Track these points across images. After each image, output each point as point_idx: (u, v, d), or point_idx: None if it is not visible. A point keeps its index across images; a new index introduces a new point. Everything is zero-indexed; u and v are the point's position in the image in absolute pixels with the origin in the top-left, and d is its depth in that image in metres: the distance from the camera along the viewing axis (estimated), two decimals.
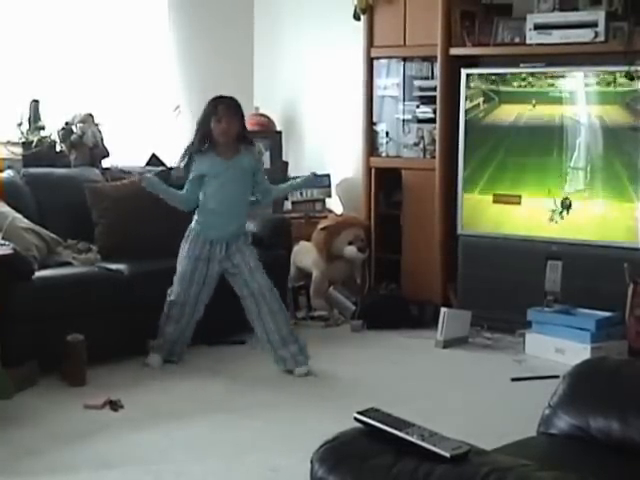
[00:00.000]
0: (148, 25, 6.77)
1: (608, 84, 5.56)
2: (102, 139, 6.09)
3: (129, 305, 5.18)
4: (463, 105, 6.05)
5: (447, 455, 1.73)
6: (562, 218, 5.77)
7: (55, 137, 5.97)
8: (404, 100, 6.44)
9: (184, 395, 4.71)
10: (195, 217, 5.09)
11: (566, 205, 5.76)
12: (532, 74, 5.83)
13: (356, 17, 6.47)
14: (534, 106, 5.83)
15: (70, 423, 4.25)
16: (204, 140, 5.01)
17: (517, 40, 5.96)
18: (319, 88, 7.16)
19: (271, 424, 4.31)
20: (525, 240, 5.88)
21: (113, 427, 4.21)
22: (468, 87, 6.00)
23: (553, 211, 5.79)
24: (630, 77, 5.41)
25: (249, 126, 6.97)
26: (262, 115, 7.08)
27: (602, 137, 5.63)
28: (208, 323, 5.51)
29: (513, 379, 5.01)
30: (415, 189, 6.40)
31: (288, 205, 6.91)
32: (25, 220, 5.28)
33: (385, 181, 6.60)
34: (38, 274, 4.89)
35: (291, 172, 7.03)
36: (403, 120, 6.46)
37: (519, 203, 5.92)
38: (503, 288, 5.88)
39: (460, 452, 1.75)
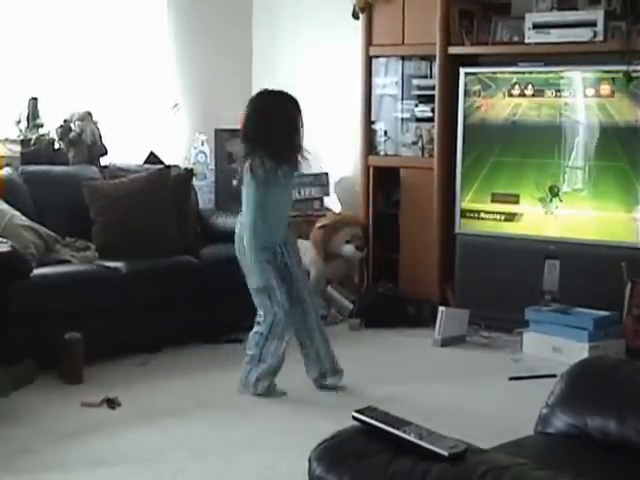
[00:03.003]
0: (147, 23, 6.76)
1: (606, 82, 5.57)
2: (100, 137, 6.09)
3: (127, 303, 5.19)
4: (462, 104, 6.05)
5: (445, 454, 1.74)
6: (554, 206, 5.77)
7: (53, 135, 5.96)
8: (402, 99, 6.44)
9: (182, 393, 4.71)
10: None
11: (555, 192, 5.76)
12: (530, 73, 5.83)
13: (355, 16, 6.47)
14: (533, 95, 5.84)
15: (67, 421, 4.24)
16: None
17: (516, 39, 5.96)
18: (318, 87, 7.14)
19: (269, 422, 4.31)
20: (523, 239, 5.88)
21: (110, 425, 4.21)
22: (484, 99, 5.99)
23: (541, 199, 5.80)
24: (628, 76, 5.41)
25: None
26: None
27: (600, 136, 5.63)
28: (205, 322, 5.52)
29: (511, 378, 5.01)
30: (413, 188, 6.40)
31: None
32: (23, 218, 5.28)
33: (383, 180, 6.59)
34: (36, 272, 4.89)
35: None
36: (401, 119, 6.46)
37: (517, 202, 5.93)
38: (501, 287, 5.88)
39: (457, 451, 1.75)
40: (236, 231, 4.67)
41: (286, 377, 4.97)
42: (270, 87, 4.81)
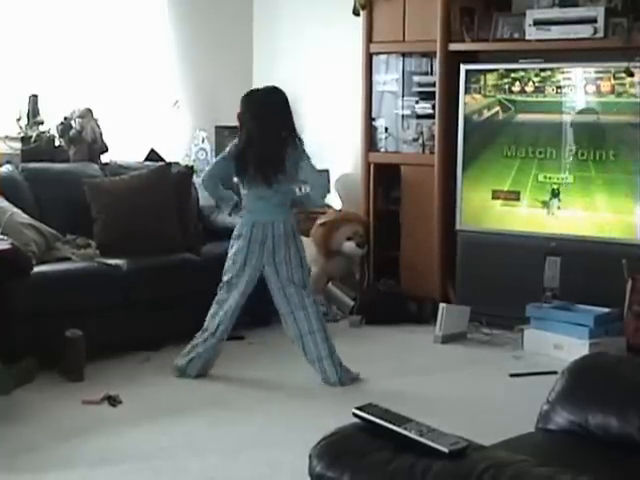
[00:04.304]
0: (147, 20, 6.76)
1: (607, 79, 5.56)
2: (101, 134, 6.08)
3: (127, 301, 5.19)
4: (462, 101, 6.04)
5: (445, 451, 1.74)
6: (554, 203, 5.77)
7: (54, 132, 5.96)
8: (403, 96, 6.44)
9: (183, 391, 4.71)
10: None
11: (555, 189, 5.76)
12: (531, 69, 5.83)
13: (355, 13, 6.47)
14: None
15: (68, 419, 4.25)
16: None
17: (516, 36, 5.96)
18: (318, 83, 7.15)
19: (270, 419, 4.31)
20: (524, 236, 5.88)
21: (111, 423, 4.21)
22: (484, 95, 5.99)
23: (544, 203, 5.80)
24: (629, 73, 5.41)
25: None
26: None
27: (601, 133, 5.63)
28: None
29: (512, 375, 5.02)
30: (414, 185, 6.39)
31: None
32: (24, 215, 5.28)
33: (384, 177, 6.59)
34: (37, 269, 4.88)
35: None
36: (402, 116, 6.45)
37: (518, 199, 5.92)
38: (502, 284, 5.88)
39: (458, 448, 1.75)
40: (280, 222, 4.81)
41: (287, 375, 4.98)
42: (270, 84, 5.01)
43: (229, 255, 4.86)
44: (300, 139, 4.86)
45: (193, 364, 4.88)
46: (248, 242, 4.78)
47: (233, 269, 4.84)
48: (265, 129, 4.78)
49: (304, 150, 4.85)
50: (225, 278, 4.87)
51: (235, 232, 4.87)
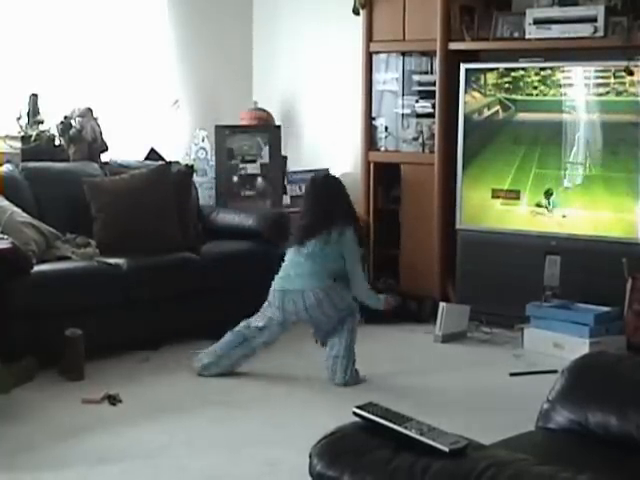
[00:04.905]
0: (147, 19, 6.75)
1: (607, 78, 5.56)
2: (101, 133, 6.08)
3: (127, 300, 5.18)
4: (462, 100, 6.04)
5: (445, 449, 1.73)
6: (554, 202, 5.77)
7: (54, 131, 5.96)
8: (403, 95, 6.44)
9: (183, 389, 4.71)
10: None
11: (554, 188, 5.76)
12: (531, 68, 5.83)
13: (355, 12, 6.46)
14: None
15: (68, 418, 4.24)
16: None
17: (516, 35, 5.96)
18: (318, 82, 7.15)
19: (270, 418, 4.31)
20: (524, 235, 5.88)
21: (111, 422, 4.21)
22: (484, 94, 6.00)
23: (544, 201, 5.80)
24: (629, 72, 5.41)
25: (248, 121, 7.00)
26: (261, 110, 7.07)
27: (601, 132, 5.63)
28: (206, 318, 5.51)
29: (512, 374, 5.01)
30: (414, 184, 6.39)
31: (287, 200, 6.90)
32: (24, 214, 5.28)
33: (384, 176, 6.59)
34: (37, 268, 4.88)
35: (290, 166, 7.02)
36: (402, 115, 6.45)
37: (518, 198, 5.92)
38: (502, 283, 5.88)
39: (458, 447, 1.75)
40: (310, 291, 4.80)
41: (287, 374, 4.98)
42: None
43: (262, 312, 4.89)
44: (353, 229, 4.91)
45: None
46: (283, 313, 4.83)
47: (268, 324, 4.89)
48: (316, 202, 4.94)
49: (352, 240, 4.88)
50: (260, 324, 4.91)
51: (269, 297, 4.88)
